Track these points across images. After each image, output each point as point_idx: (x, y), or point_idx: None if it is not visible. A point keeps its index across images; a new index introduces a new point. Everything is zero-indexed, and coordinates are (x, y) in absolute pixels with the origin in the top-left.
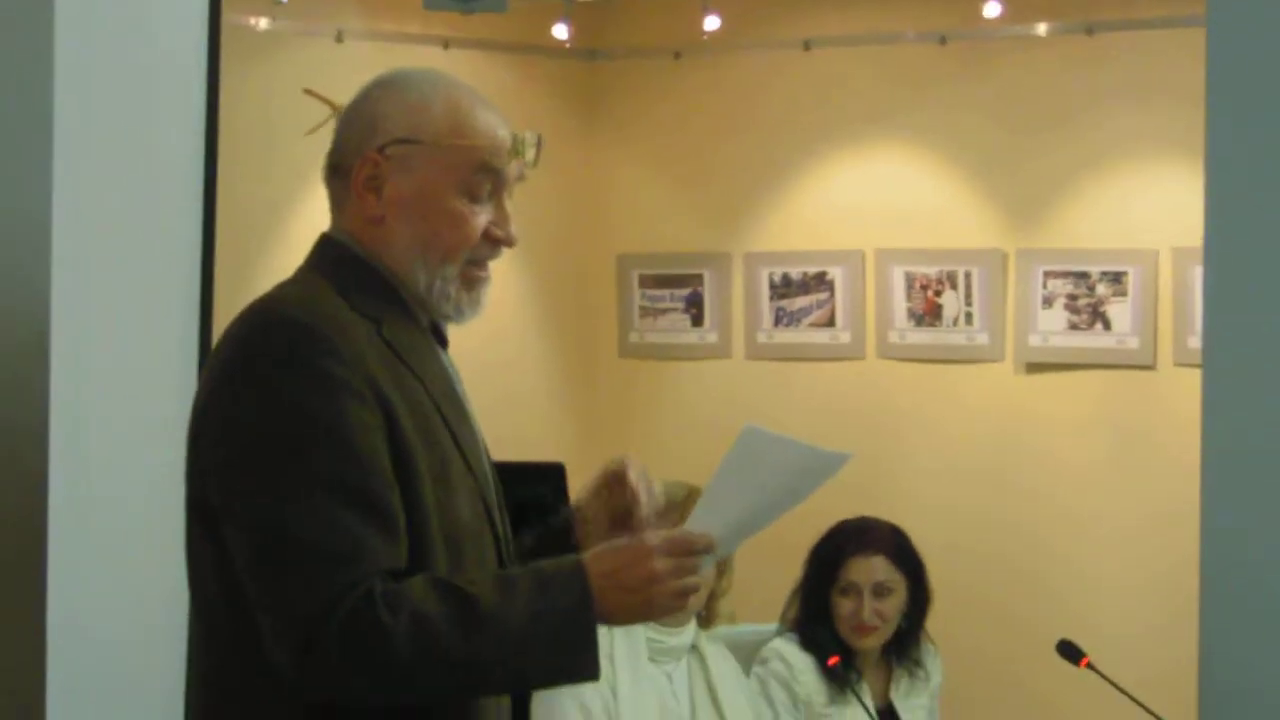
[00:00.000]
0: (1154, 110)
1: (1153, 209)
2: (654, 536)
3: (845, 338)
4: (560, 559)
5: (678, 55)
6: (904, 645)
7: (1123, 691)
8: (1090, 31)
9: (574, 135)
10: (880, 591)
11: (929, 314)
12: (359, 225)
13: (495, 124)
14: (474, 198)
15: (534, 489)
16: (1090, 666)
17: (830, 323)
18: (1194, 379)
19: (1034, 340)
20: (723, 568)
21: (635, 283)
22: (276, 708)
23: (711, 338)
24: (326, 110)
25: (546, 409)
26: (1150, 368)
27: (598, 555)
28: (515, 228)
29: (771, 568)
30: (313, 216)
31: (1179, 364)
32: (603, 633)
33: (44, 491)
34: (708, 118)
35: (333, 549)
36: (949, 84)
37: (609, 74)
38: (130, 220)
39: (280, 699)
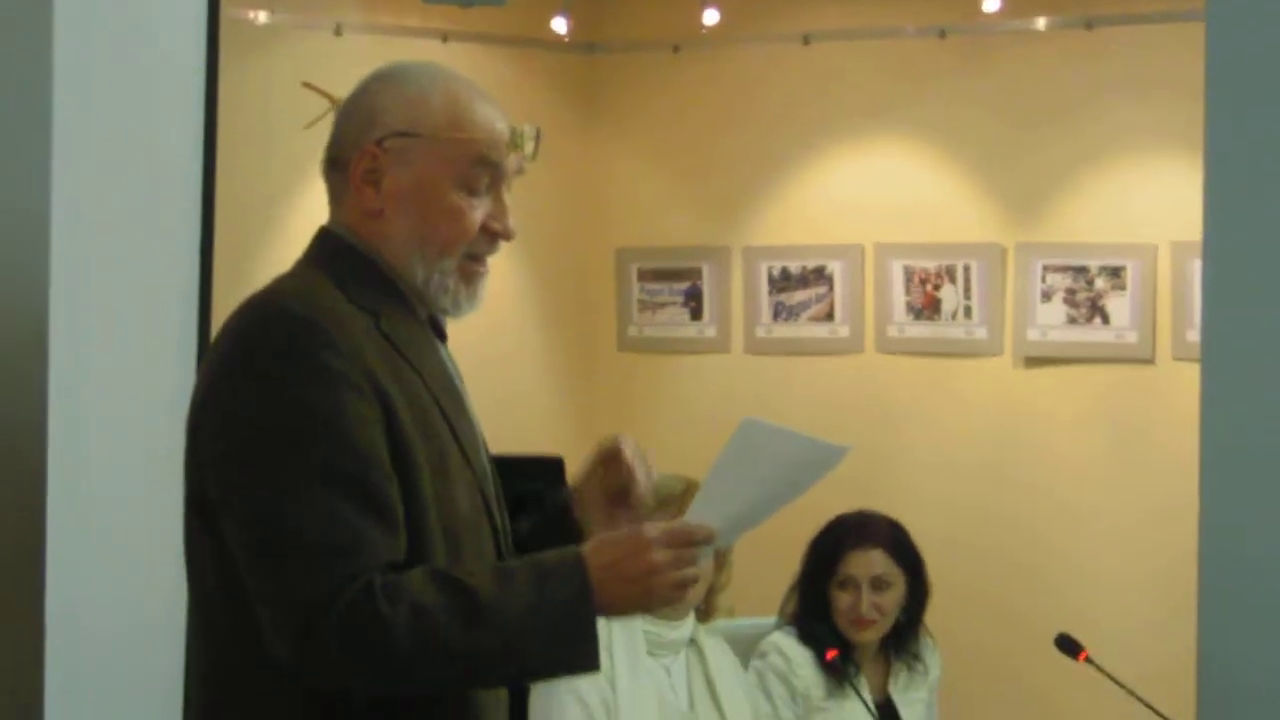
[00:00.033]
0: (1153, 105)
1: (1152, 203)
2: (653, 528)
3: (844, 332)
4: (560, 550)
5: (677, 49)
6: (902, 639)
7: (1121, 686)
8: (1089, 26)
9: (573, 129)
10: (879, 585)
11: (928, 308)
12: (357, 218)
13: (494, 117)
14: (472, 191)
15: (533, 482)
16: (1089, 661)
17: (829, 317)
18: (1192, 373)
19: (1033, 334)
20: (721, 562)
21: (634, 276)
22: (276, 700)
23: (710, 332)
24: (325, 104)
25: (545, 403)
26: (1149, 362)
27: (597, 547)
28: (513, 221)
29: (770, 562)
30: (311, 210)
31: (1177, 358)
32: (601, 626)
33: (42, 486)
34: (707, 111)
35: (332, 542)
36: (948, 78)
37: (608, 68)
38: (129, 214)
39: (279, 692)
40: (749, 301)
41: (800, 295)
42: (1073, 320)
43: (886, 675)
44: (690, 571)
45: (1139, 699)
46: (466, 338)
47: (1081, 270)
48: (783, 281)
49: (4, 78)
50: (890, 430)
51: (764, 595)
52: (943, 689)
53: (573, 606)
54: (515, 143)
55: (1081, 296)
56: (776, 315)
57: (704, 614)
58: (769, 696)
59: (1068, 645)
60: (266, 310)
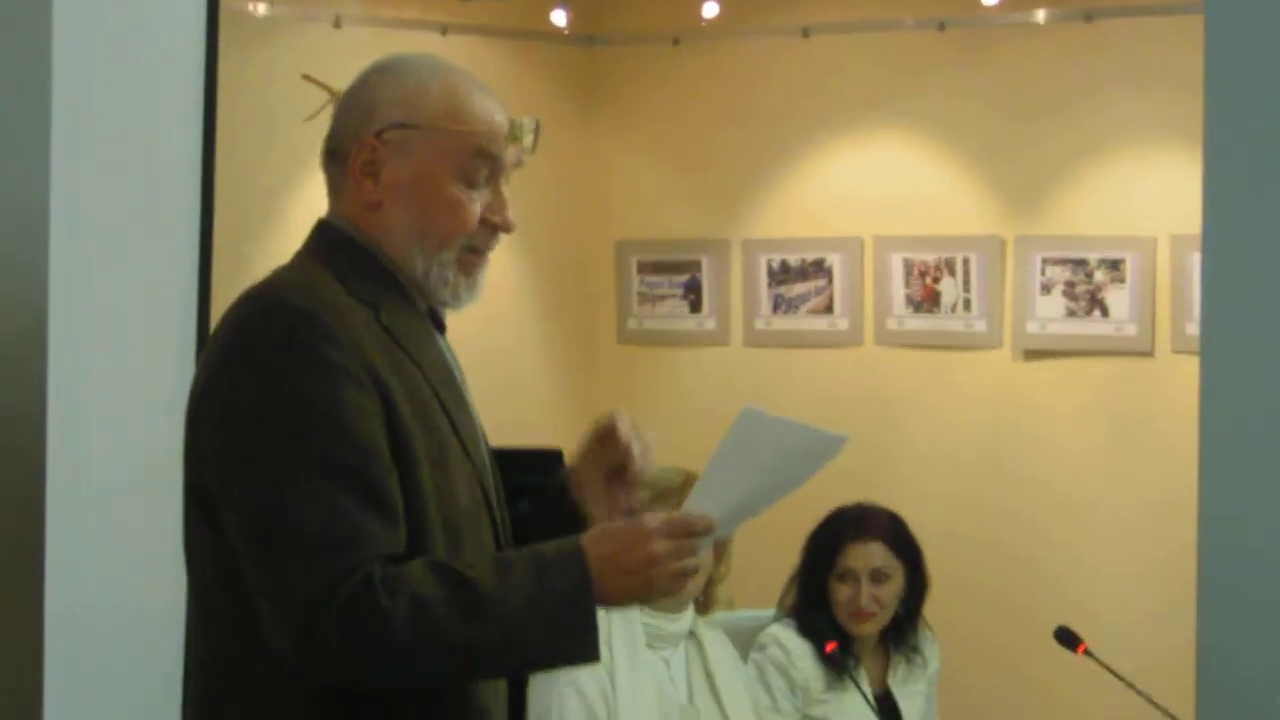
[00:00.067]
0: (1153, 97)
1: (1151, 196)
2: (653, 519)
3: (843, 324)
4: (559, 541)
5: (676, 42)
6: (901, 631)
7: (1120, 678)
8: (1089, 18)
9: (572, 121)
10: (878, 577)
11: (927, 301)
12: (356, 210)
13: (493, 109)
14: (471, 183)
15: (532, 475)
16: (1087, 653)
17: (828, 309)
18: (1192, 366)
19: (1032, 327)
20: (720, 554)
21: (634, 269)
22: (275, 693)
23: (710, 324)
24: (324, 96)
25: (544, 395)
26: (1148, 355)
27: (596, 538)
28: (513, 213)
29: (769, 554)
30: (311, 202)
31: (1177, 351)
32: (601, 618)
33: (42, 478)
34: (706, 104)
35: (332, 534)
36: (948, 71)
37: (607, 60)
38: (128, 206)
39: (279, 684)
40: (748, 294)
41: (800, 288)
42: (1072, 313)
43: (886, 667)
44: (690, 562)
45: (1138, 691)
46: (466, 329)
47: (1081, 263)
48: (782, 274)
49: (3, 73)
50: (890, 423)
51: (763, 587)
52: (942, 681)
53: (572, 597)
54: (514, 135)
55: (1081, 289)
56: (776, 308)
57: (703, 606)
58: (768, 689)
59: (1067, 638)
60: (266, 302)
